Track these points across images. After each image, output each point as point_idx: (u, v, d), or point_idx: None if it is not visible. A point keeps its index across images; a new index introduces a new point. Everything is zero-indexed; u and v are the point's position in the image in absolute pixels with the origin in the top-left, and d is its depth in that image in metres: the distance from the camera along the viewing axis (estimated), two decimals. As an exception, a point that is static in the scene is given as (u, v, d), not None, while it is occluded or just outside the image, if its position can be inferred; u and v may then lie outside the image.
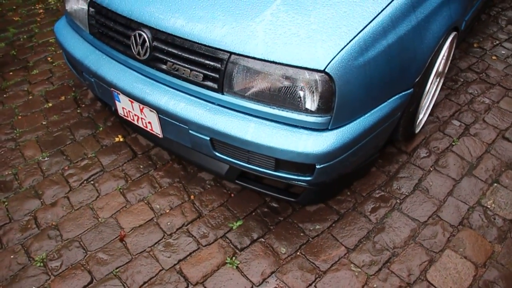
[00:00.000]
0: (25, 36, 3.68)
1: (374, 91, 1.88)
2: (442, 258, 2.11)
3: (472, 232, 2.22)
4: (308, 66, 1.70)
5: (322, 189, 2.17)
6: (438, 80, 2.69)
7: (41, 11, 4.03)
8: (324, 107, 1.76)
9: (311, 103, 1.76)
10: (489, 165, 2.55)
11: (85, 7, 2.26)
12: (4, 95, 3.06)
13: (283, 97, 1.79)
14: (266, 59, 1.75)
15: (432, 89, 2.69)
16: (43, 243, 2.16)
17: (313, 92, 1.74)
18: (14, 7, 4.10)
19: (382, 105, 1.97)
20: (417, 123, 2.61)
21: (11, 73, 3.26)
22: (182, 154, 2.30)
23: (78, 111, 2.90)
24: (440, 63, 2.53)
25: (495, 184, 2.46)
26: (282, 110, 1.80)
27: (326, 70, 1.69)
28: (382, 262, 2.08)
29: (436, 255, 2.12)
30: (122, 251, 2.13)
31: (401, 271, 2.05)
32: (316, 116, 1.78)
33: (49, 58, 3.40)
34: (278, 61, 1.74)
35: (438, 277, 2.04)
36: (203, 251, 2.12)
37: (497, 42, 3.60)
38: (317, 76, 1.71)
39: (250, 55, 1.78)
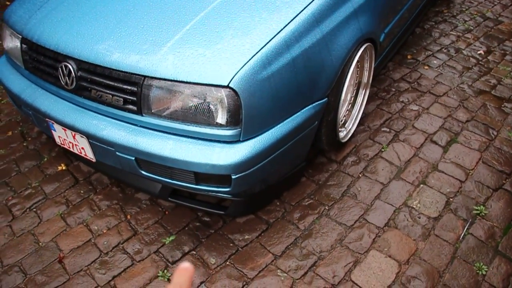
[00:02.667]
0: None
1: (282, 102, 1.95)
2: (367, 258, 2.16)
3: (397, 232, 2.29)
4: (214, 83, 1.79)
5: (250, 200, 2.22)
6: (363, 90, 2.78)
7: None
8: (233, 120, 1.83)
9: (220, 117, 1.83)
10: (417, 168, 2.63)
11: (19, 44, 2.34)
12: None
13: (195, 114, 1.86)
14: (176, 79, 1.84)
15: (360, 99, 2.78)
16: (-18, 271, 2.19)
17: (221, 107, 1.82)
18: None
19: (295, 115, 2.05)
20: (346, 132, 2.69)
21: (-41, 111, 3.29)
22: (118, 177, 2.36)
23: (25, 144, 2.94)
24: (357, 73, 2.64)
25: (422, 185, 2.53)
26: (196, 126, 1.88)
27: (230, 85, 1.77)
28: (308, 266, 2.13)
29: (361, 256, 2.17)
30: (60, 272, 2.16)
31: (326, 273, 2.10)
32: (226, 129, 1.85)
33: (-4, 96, 3.44)
34: (186, 81, 1.82)
35: (362, 277, 2.09)
36: (136, 266, 2.15)
37: (430, 53, 3.73)
38: (222, 91, 1.79)
39: (162, 77, 1.86)
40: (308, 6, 2.04)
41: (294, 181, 2.47)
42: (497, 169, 2.68)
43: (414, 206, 2.41)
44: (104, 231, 2.33)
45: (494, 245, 2.27)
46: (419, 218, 2.35)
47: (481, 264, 2.18)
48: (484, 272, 2.15)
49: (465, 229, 2.33)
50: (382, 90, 3.25)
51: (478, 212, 2.41)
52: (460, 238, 2.29)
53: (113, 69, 1.96)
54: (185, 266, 0.58)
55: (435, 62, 3.61)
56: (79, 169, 2.70)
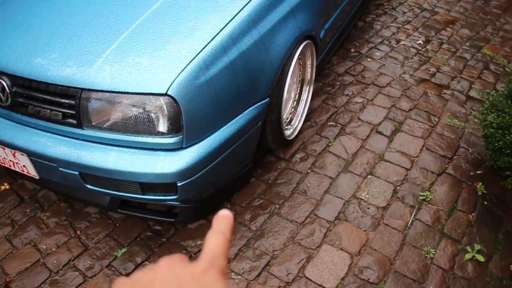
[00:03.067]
0: None
1: (223, 105, 1.95)
2: (320, 253, 2.19)
3: (348, 224, 2.32)
4: (152, 91, 1.76)
5: (200, 205, 2.21)
6: (307, 87, 2.81)
7: None
8: (174, 127, 1.81)
9: (162, 125, 1.82)
10: (364, 160, 2.68)
11: None
12: None
13: (136, 124, 1.84)
14: (114, 90, 1.80)
15: (304, 96, 2.81)
16: None
17: (161, 115, 1.80)
18: None
19: (238, 117, 2.04)
20: (293, 129, 2.71)
21: None
22: (65, 192, 2.30)
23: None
24: (300, 71, 2.66)
25: (369, 176, 2.58)
26: (138, 136, 1.85)
27: (168, 92, 1.75)
28: (262, 266, 2.13)
29: (314, 252, 2.20)
30: (8, 297, 2.08)
31: (280, 272, 2.11)
32: (168, 137, 1.83)
33: None
34: (125, 91, 1.79)
35: (315, 272, 2.11)
36: (89, 283, 2.10)
37: (372, 45, 3.81)
38: (161, 99, 1.77)
39: (99, 89, 1.82)
40: (244, 8, 2.03)
41: (244, 182, 2.47)
42: (440, 154, 2.77)
43: (363, 197, 2.45)
44: (53, 250, 2.26)
45: (440, 228, 2.34)
46: (368, 208, 2.40)
47: (429, 247, 2.24)
48: (432, 255, 2.21)
49: (413, 215, 2.39)
50: (327, 85, 3.29)
51: (424, 197, 2.48)
52: (408, 225, 2.34)
53: (49, 83, 1.90)
54: (225, 213, 0.58)
55: (377, 54, 3.69)
56: (24, 187, 2.61)
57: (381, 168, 2.63)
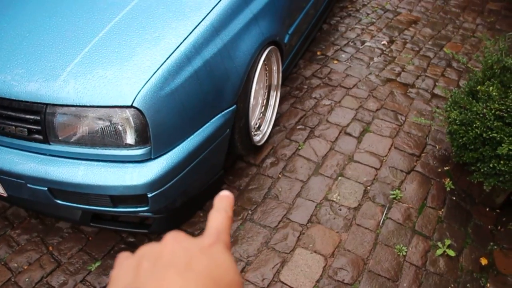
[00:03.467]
0: None
1: (189, 115, 1.94)
2: (294, 257, 2.20)
3: (320, 226, 2.34)
4: (117, 104, 1.75)
5: (173, 215, 2.20)
6: (275, 92, 2.82)
7: None
8: (141, 139, 1.80)
9: (129, 137, 1.80)
10: (334, 161, 2.71)
11: None
12: None
13: (103, 137, 1.82)
14: (79, 104, 1.78)
15: (272, 101, 2.82)
16: None
17: (128, 127, 1.78)
18: None
19: (205, 126, 2.04)
20: (262, 135, 2.72)
21: None
22: (35, 208, 2.26)
23: None
24: (267, 76, 2.67)
25: (340, 178, 2.61)
26: (106, 149, 1.84)
27: (133, 104, 1.74)
28: (237, 272, 2.13)
29: (288, 256, 2.21)
30: (-19, 319, 2.04)
31: (255, 278, 2.11)
32: (136, 149, 1.82)
33: None
34: (90, 104, 1.77)
35: (290, 276, 2.12)
36: (62, 300, 2.07)
37: (338, 47, 3.85)
38: (127, 111, 1.75)
39: (64, 103, 1.80)
40: (206, 17, 2.03)
41: (215, 190, 2.47)
42: (408, 152, 2.81)
43: (334, 199, 2.48)
44: (25, 267, 2.21)
45: (411, 226, 2.38)
46: (340, 210, 2.42)
47: (401, 245, 2.27)
48: (404, 253, 2.25)
49: (384, 214, 2.43)
50: (294, 89, 3.32)
51: (394, 196, 2.51)
52: (380, 224, 2.38)
53: (12, 99, 1.87)
54: (226, 193, 0.58)
55: (343, 56, 3.73)
56: (-8, 205, 2.55)
57: (351, 169, 2.66)
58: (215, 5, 2.08)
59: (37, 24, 2.13)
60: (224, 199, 0.57)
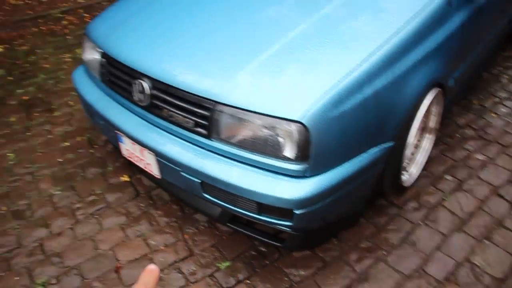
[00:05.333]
0: (52, 82, 3.82)
1: (350, 142, 1.86)
2: (424, 311, 2.00)
3: (457, 288, 2.11)
4: (285, 116, 1.71)
5: (308, 236, 2.10)
6: (430, 136, 2.63)
7: (69, 59, 4.20)
8: (301, 155, 1.74)
9: (289, 151, 1.75)
10: (481, 222, 2.44)
11: (98, 57, 2.35)
12: (28, 133, 3.16)
13: (264, 145, 1.79)
14: (248, 108, 1.77)
15: (426, 144, 2.63)
16: (45, 268, 2.19)
17: (290, 141, 1.74)
18: (47, 55, 4.29)
19: (361, 156, 1.93)
20: (409, 176, 2.54)
21: (36, 114, 3.38)
22: (179, 196, 2.30)
23: (91, 151, 2.95)
24: (426, 118, 2.50)
25: (486, 241, 2.34)
26: (263, 157, 1.81)
27: (301, 120, 1.69)
28: (362, 312, 1.98)
29: (418, 308, 2.01)
30: (116, 282, 2.12)
31: (380, 322, 1.94)
32: (294, 164, 1.76)
33: (70, 102, 3.51)
34: (258, 111, 1.75)
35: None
36: (190, 288, 2.08)
37: (498, 100, 3.51)
38: (293, 125, 1.71)
39: (233, 105, 1.80)
40: (382, 47, 1.92)
41: (353, 221, 2.34)
42: None
43: (477, 263, 2.22)
44: (161, 248, 2.27)
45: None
46: (482, 277, 2.16)
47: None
48: None
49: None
50: (446, 135, 3.07)
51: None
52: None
53: (187, 92, 1.92)
54: (152, 267, 0.62)
55: (503, 110, 3.40)
56: (141, 182, 2.67)
57: (500, 235, 2.37)
58: (392, 37, 1.97)
59: (222, 23, 2.19)
60: (147, 274, 0.61)
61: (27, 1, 5.53)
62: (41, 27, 4.87)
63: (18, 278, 2.15)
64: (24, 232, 2.39)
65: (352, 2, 2.22)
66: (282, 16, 2.18)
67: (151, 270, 0.61)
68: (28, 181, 2.74)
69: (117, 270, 2.17)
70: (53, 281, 2.13)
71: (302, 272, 2.14)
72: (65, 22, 5.00)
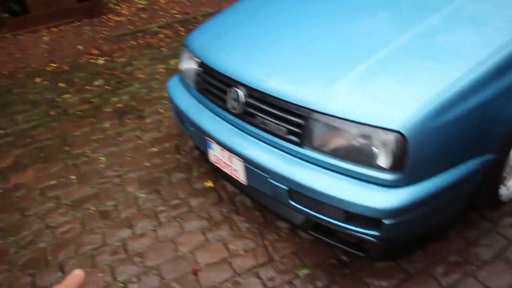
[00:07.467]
0: (145, 90, 3.99)
1: (448, 153, 1.78)
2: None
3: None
4: (383, 125, 1.69)
5: (393, 246, 2.04)
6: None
7: (162, 70, 4.37)
8: (396, 165, 1.70)
9: (382, 160, 1.71)
10: None
11: (195, 66, 2.44)
12: (119, 138, 3.31)
13: (358, 153, 1.77)
14: (344, 117, 1.76)
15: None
16: (127, 267, 2.26)
17: (385, 150, 1.70)
18: (142, 66, 4.49)
19: (458, 168, 1.85)
20: (507, 191, 2.38)
21: (128, 120, 3.53)
22: (263, 202, 2.30)
23: (178, 157, 3.04)
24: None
25: None
26: (355, 165, 1.78)
27: (399, 129, 1.65)
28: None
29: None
30: (193, 284, 2.15)
31: None
32: (387, 173, 1.72)
33: (161, 110, 3.63)
34: (355, 120, 1.74)
35: None
36: (268, 293, 2.06)
37: None
38: (391, 135, 1.67)
39: (330, 113, 1.80)
40: (491, 56, 1.84)
41: (441, 234, 2.24)
42: None
43: None
44: (241, 252, 2.28)
45: None
46: None
47: None
48: None
49: None
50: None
51: None
52: None
53: (282, 100, 1.93)
54: (77, 272, 0.65)
55: None
56: (225, 188, 2.70)
57: None
58: (503, 45, 1.88)
59: (316, 35, 2.20)
60: (71, 277, 0.64)
61: (129, 17, 5.89)
62: (139, 40, 5.15)
63: (101, 274, 2.22)
64: (109, 232, 2.48)
65: (450, 17, 2.14)
66: (378, 30, 2.15)
67: (76, 274, 0.64)
68: (116, 184, 2.85)
69: (195, 272, 2.20)
70: (134, 279, 2.19)
71: (384, 283, 2.07)
72: (161, 36, 5.25)
